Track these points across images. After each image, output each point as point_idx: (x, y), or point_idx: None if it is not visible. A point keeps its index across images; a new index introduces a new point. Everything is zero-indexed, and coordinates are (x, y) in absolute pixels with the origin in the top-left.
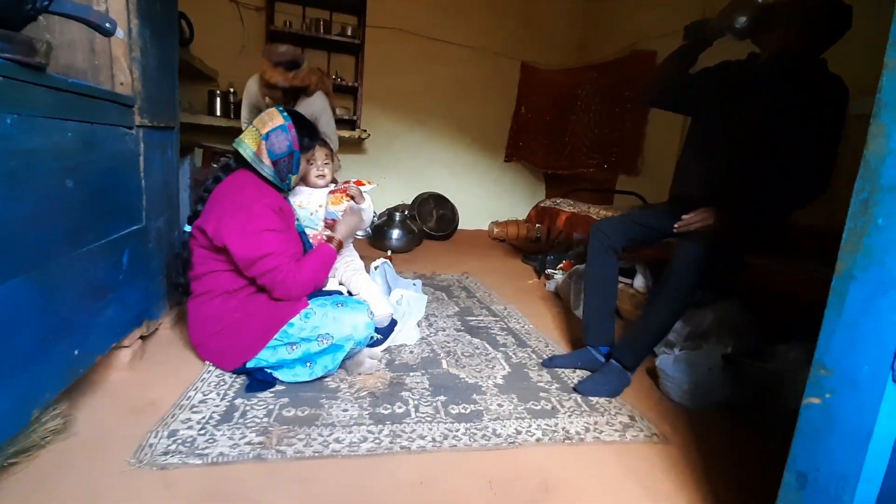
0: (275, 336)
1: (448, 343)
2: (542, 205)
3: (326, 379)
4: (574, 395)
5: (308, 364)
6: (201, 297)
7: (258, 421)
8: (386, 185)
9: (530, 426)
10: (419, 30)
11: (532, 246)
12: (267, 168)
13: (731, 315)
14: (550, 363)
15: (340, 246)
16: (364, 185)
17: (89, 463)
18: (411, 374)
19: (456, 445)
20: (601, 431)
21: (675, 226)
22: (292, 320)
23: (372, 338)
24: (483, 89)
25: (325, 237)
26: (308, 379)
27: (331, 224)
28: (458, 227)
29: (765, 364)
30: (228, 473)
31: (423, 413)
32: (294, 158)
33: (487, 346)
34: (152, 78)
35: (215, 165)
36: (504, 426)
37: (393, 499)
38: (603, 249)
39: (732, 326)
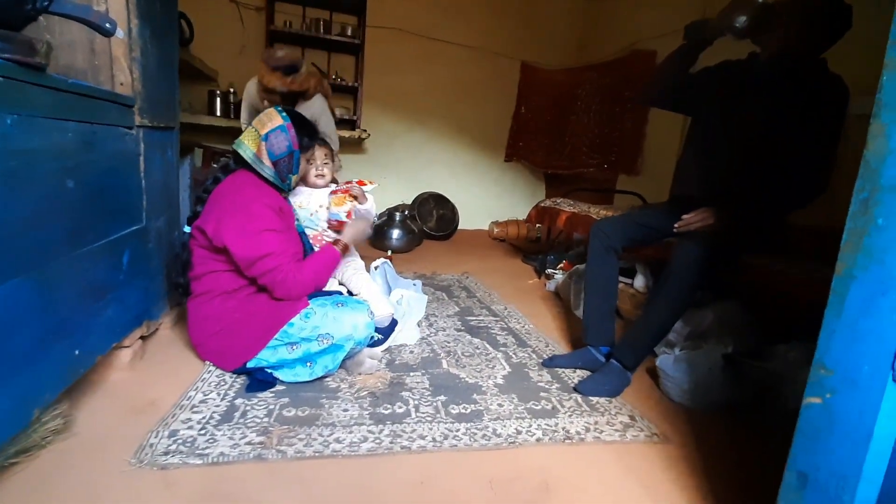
0: (275, 336)
1: (448, 343)
2: (543, 205)
3: (327, 379)
4: (574, 395)
5: (308, 364)
6: (201, 298)
7: (258, 421)
8: (386, 185)
9: (530, 426)
10: (419, 30)
11: (532, 246)
12: (267, 169)
13: (731, 315)
14: (551, 363)
15: (346, 250)
16: (366, 185)
17: (90, 463)
18: (411, 373)
19: (456, 445)
20: (601, 431)
21: (676, 225)
22: (292, 320)
23: (372, 338)
24: (483, 89)
25: (327, 239)
26: (308, 379)
27: (335, 226)
28: (459, 227)
29: (765, 364)
30: (229, 473)
31: (423, 413)
32: (294, 158)
33: (488, 345)
34: (152, 78)
35: (215, 165)
36: (504, 426)
37: (393, 499)
38: (603, 249)
39: (732, 326)
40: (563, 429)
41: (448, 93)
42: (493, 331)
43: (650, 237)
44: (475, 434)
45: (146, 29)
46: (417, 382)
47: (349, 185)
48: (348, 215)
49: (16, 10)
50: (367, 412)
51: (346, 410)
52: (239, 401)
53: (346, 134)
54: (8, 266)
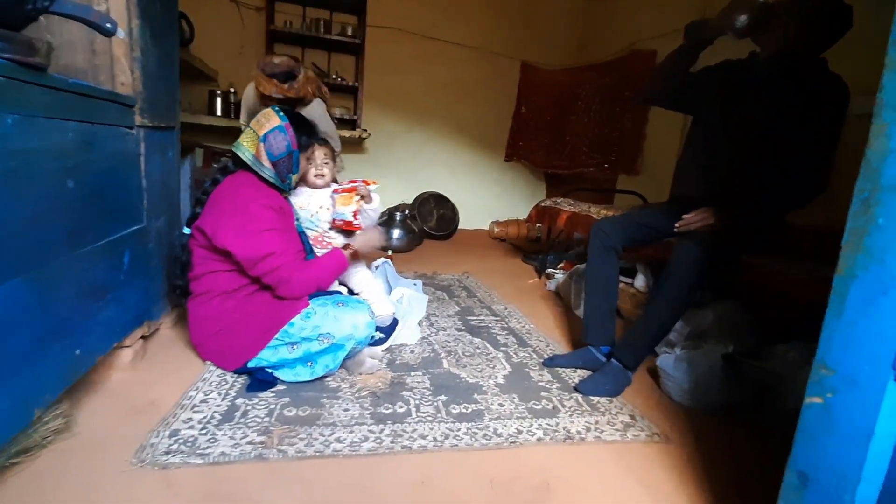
0: (275, 336)
1: (449, 343)
2: (543, 204)
3: (327, 378)
4: (575, 395)
5: (309, 364)
6: (200, 298)
7: (259, 421)
8: (386, 185)
9: (531, 426)
10: (419, 30)
11: (532, 245)
12: (267, 170)
13: (731, 315)
14: (551, 363)
15: (356, 256)
16: (369, 184)
17: (90, 463)
18: (412, 373)
19: (457, 445)
20: (602, 431)
21: (676, 225)
22: (293, 320)
23: (373, 336)
24: (483, 89)
25: (328, 240)
26: (309, 378)
27: (339, 225)
28: (459, 227)
29: (765, 364)
30: (230, 473)
31: (424, 413)
32: (294, 158)
33: (488, 345)
34: (153, 78)
35: (215, 166)
36: (505, 426)
37: (394, 498)
38: (603, 249)
39: (732, 326)
40: (564, 428)
41: (448, 93)
42: (493, 330)
43: (650, 237)
44: (476, 434)
45: (147, 29)
46: (418, 382)
47: (354, 183)
48: (355, 215)
49: (16, 10)
50: (367, 412)
51: (346, 410)
52: (240, 400)
53: (346, 134)
54: (8, 266)
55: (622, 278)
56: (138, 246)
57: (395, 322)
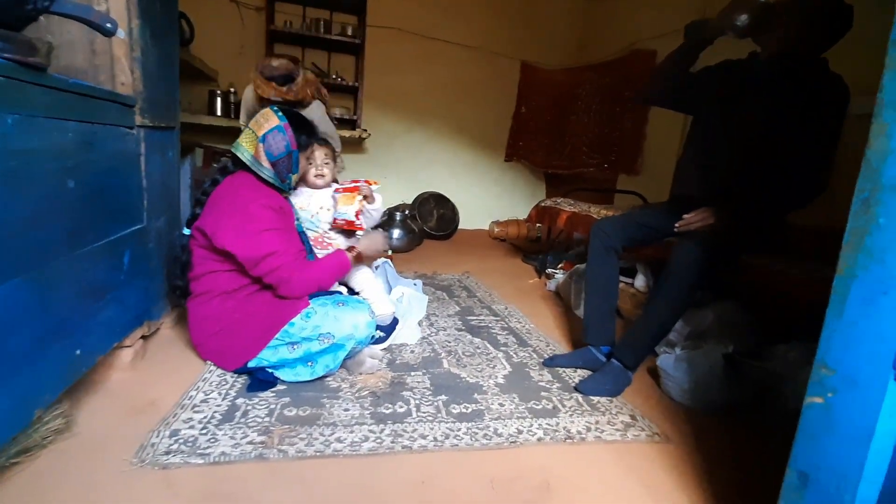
0: (275, 336)
1: (449, 342)
2: (543, 204)
3: (328, 378)
4: (575, 395)
5: (309, 363)
6: (200, 298)
7: (260, 420)
8: (386, 185)
9: (531, 425)
10: (419, 30)
11: (532, 245)
12: (266, 170)
13: (731, 315)
14: (551, 363)
15: (359, 259)
16: (371, 184)
17: (91, 463)
18: (412, 373)
19: (457, 445)
20: (602, 431)
21: (676, 225)
22: (293, 320)
23: (373, 336)
24: (483, 89)
25: (328, 240)
26: (309, 378)
27: (341, 224)
28: (459, 227)
29: (765, 364)
30: (230, 473)
31: (424, 412)
32: (293, 158)
33: (488, 345)
34: (153, 78)
35: (215, 166)
36: (505, 426)
37: (395, 498)
38: (603, 249)
39: (732, 326)
40: (564, 428)
41: (448, 93)
42: (493, 330)
43: (650, 237)
44: (476, 434)
45: (147, 29)
46: (418, 382)
47: (357, 183)
48: (357, 215)
49: (16, 10)
50: (368, 412)
51: (347, 410)
52: (240, 400)
53: (346, 134)
54: (8, 266)
55: (622, 278)
56: (138, 246)
57: (395, 321)
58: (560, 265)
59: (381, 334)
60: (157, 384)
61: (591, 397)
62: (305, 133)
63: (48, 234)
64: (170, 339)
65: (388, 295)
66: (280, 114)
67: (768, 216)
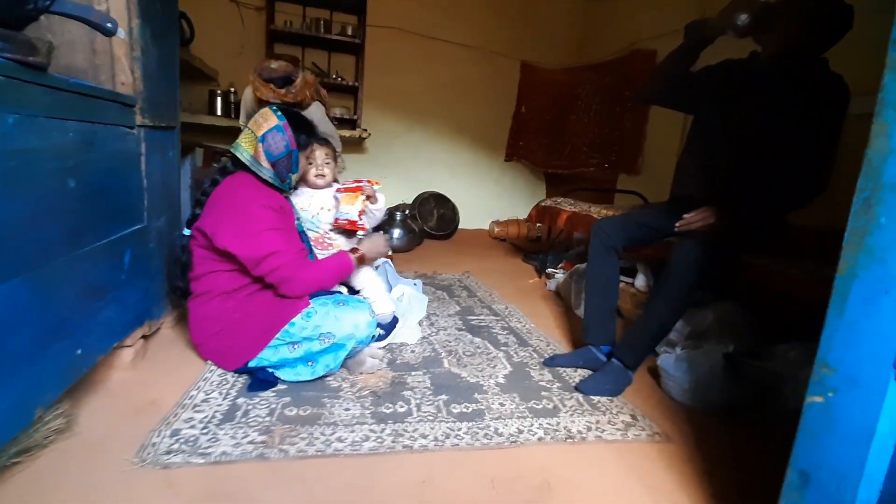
0: (276, 336)
1: (449, 342)
2: (543, 204)
3: (328, 378)
4: (576, 395)
5: (310, 363)
6: (200, 298)
7: (260, 420)
8: (386, 185)
9: (532, 425)
10: (419, 29)
11: (533, 245)
12: (266, 170)
13: (731, 315)
14: (552, 362)
15: (362, 261)
16: (372, 184)
17: (92, 462)
18: (413, 373)
19: (458, 444)
20: (603, 430)
21: (676, 225)
22: (294, 319)
23: (374, 335)
24: (483, 89)
25: (329, 241)
26: (310, 378)
27: (344, 224)
28: (459, 227)
29: (765, 364)
30: (231, 472)
31: (424, 412)
32: (293, 158)
33: (489, 345)
34: (153, 78)
35: (215, 166)
36: (506, 425)
37: (395, 498)
38: (604, 249)
39: (733, 326)
40: (565, 428)
41: (448, 92)
42: (494, 330)
43: (651, 237)
44: (477, 433)
45: (147, 28)
46: (419, 382)
47: (359, 183)
48: (360, 214)
49: (17, 10)
50: (368, 411)
51: (347, 410)
52: (241, 400)
53: (346, 133)
54: (8, 266)
55: (622, 278)
56: (139, 246)
57: (395, 319)
58: (560, 265)
59: (382, 332)
60: (157, 384)
61: (592, 397)
62: (305, 132)
63: (49, 234)
64: (170, 339)
65: (388, 294)
66: (279, 113)
67: (768, 216)
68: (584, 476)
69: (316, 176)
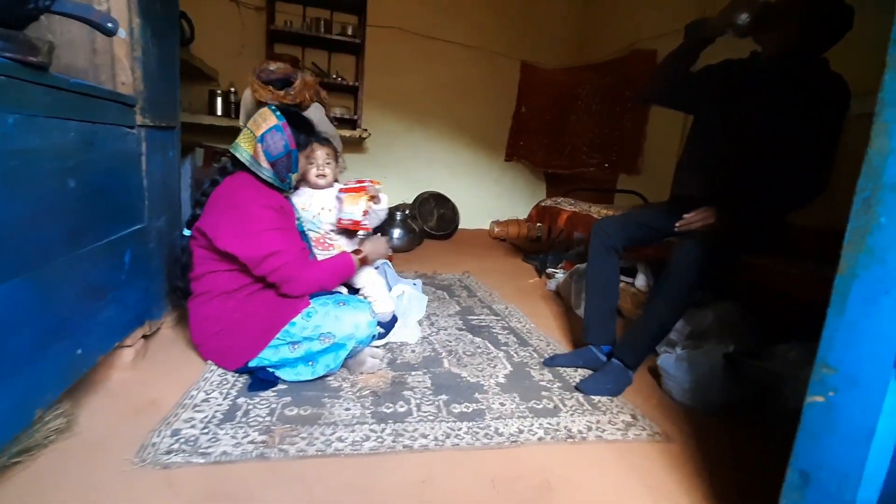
0: (276, 336)
1: (450, 342)
2: (543, 204)
3: (328, 378)
4: (576, 394)
5: (310, 363)
6: (200, 298)
7: (261, 420)
8: (387, 185)
9: (532, 425)
10: (419, 29)
11: (533, 245)
12: (265, 170)
13: (731, 315)
14: (552, 362)
15: (364, 262)
16: (375, 184)
17: (92, 462)
18: (413, 373)
19: (458, 444)
20: (603, 430)
21: (676, 225)
22: (294, 319)
23: (374, 334)
24: (483, 89)
25: (329, 241)
26: (310, 378)
27: (347, 225)
28: (459, 227)
29: (765, 364)
30: (231, 472)
31: (425, 412)
32: (293, 157)
33: (489, 345)
34: (153, 77)
35: (215, 166)
36: (506, 425)
37: (395, 498)
38: (604, 249)
39: (733, 326)
40: (565, 428)
41: (448, 92)
42: (494, 330)
43: (651, 237)
44: (477, 433)
45: (147, 28)
46: (419, 381)
47: (362, 183)
48: (364, 214)
49: (17, 10)
50: (369, 411)
51: (348, 409)
52: (241, 400)
53: (346, 133)
54: (9, 266)
55: (622, 278)
56: (139, 245)
57: (394, 318)
58: (560, 265)
59: (381, 331)
60: (157, 384)
61: (592, 397)
62: (304, 132)
63: (49, 234)
64: (171, 339)
65: (388, 293)
66: (278, 113)
67: (768, 216)
68: (585, 476)
69: (317, 176)
